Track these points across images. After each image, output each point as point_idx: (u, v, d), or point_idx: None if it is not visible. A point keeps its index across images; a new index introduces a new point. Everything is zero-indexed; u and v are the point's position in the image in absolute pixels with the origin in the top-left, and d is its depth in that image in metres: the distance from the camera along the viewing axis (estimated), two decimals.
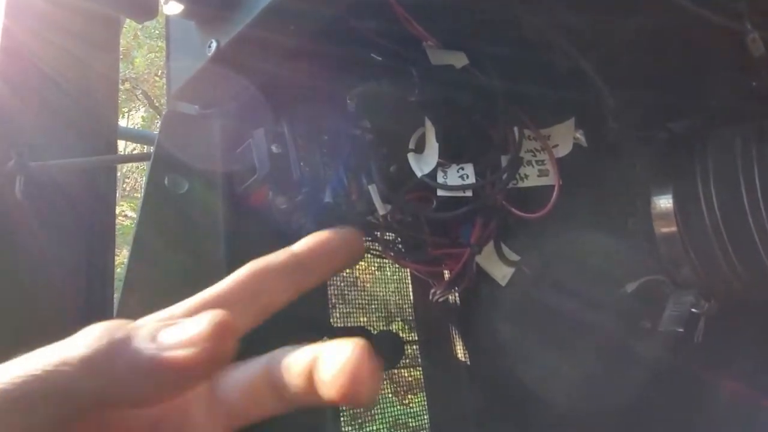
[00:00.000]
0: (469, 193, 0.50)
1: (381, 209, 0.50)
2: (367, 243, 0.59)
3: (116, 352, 0.17)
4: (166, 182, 0.46)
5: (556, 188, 0.51)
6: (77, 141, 0.57)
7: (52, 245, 0.53)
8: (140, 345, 0.17)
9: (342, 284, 0.72)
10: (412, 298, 0.78)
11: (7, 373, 0.17)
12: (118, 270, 0.62)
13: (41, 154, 0.53)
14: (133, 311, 0.40)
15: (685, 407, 0.57)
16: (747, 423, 0.52)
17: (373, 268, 0.79)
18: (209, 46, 0.43)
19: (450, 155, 0.51)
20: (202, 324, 0.17)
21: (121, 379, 0.17)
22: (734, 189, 0.44)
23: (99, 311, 0.52)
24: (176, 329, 0.17)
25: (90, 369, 0.17)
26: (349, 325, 0.71)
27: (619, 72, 0.53)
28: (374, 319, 0.76)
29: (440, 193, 0.50)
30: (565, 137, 0.53)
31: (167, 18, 0.51)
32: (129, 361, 0.17)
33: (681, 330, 0.46)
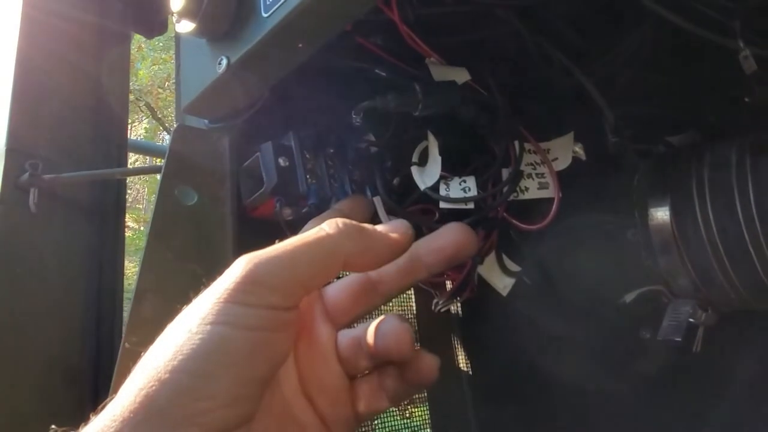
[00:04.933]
0: (471, 206, 0.51)
1: (385, 221, 0.51)
2: None
3: (361, 227, 0.29)
4: (176, 194, 0.47)
5: (555, 200, 0.52)
6: (89, 154, 0.58)
7: (65, 256, 0.55)
8: (374, 228, 0.30)
9: None
10: (414, 308, 0.79)
11: (278, 245, 0.26)
12: None
13: (54, 167, 0.54)
14: (145, 319, 0.41)
15: (687, 414, 0.57)
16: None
17: None
18: (219, 63, 0.45)
19: (452, 168, 0.53)
20: (401, 225, 0.31)
21: (366, 243, 0.29)
22: (729, 201, 0.45)
23: (109, 320, 0.53)
24: (387, 227, 0.30)
25: (348, 235, 0.28)
26: None
27: (618, 87, 0.54)
28: None
29: (443, 205, 0.51)
30: (565, 151, 0.54)
31: (178, 35, 0.53)
32: (370, 233, 0.29)
33: (679, 339, 0.47)
